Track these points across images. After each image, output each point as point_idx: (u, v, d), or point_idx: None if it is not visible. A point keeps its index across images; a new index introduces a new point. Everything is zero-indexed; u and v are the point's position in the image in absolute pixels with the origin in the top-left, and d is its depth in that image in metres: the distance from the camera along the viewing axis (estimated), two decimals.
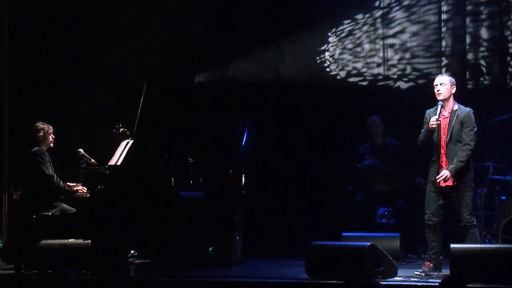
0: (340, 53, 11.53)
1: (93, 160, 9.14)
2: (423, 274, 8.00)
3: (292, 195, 11.33)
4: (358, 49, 11.46)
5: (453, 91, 8.30)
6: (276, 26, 11.74)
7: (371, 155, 10.41)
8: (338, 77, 11.54)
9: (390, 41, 11.37)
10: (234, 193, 9.56)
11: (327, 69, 11.58)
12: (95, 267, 8.40)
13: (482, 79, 11.03)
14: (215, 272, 8.71)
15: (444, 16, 11.15)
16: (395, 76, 11.35)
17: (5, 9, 10.37)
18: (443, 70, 10.94)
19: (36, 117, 9.44)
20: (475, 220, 8.29)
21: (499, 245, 8.80)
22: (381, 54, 11.37)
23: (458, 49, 11.11)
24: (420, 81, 11.22)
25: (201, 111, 9.96)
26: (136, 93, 9.42)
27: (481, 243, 8.80)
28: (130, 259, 9.46)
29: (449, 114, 8.24)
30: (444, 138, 8.22)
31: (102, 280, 8.10)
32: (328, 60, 11.57)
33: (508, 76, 10.97)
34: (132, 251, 9.60)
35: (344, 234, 9.33)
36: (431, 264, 8.16)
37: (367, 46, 11.44)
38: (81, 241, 8.58)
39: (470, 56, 11.06)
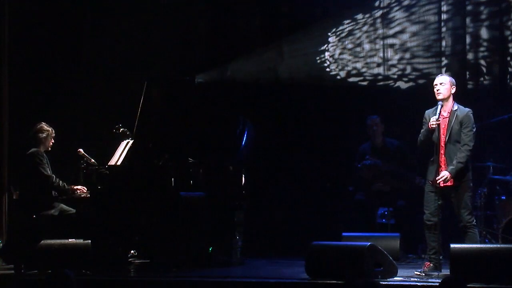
0: (340, 53, 11.53)
1: (93, 160, 9.14)
2: (423, 274, 8.00)
3: (292, 195, 11.33)
4: (358, 49, 11.46)
5: (453, 91, 8.30)
6: (276, 26, 11.74)
7: (371, 155, 10.41)
8: (338, 77, 11.54)
9: (390, 41, 11.37)
10: (234, 193, 9.57)
11: (327, 69, 11.58)
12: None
13: (482, 79, 11.03)
14: (215, 272, 8.71)
15: (444, 16, 11.15)
16: (395, 76, 11.35)
17: (5, 9, 10.37)
18: (443, 70, 10.94)
19: (36, 117, 9.44)
20: (475, 220, 8.29)
21: (499, 245, 8.81)
22: (381, 54, 11.37)
23: (458, 49, 11.11)
24: (420, 81, 11.22)
25: (201, 111, 9.96)
26: (136, 93, 9.42)
27: (481, 243, 8.81)
28: (130, 259, 9.46)
29: (449, 114, 8.25)
30: (443, 138, 8.22)
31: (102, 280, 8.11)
32: (328, 60, 11.57)
33: (508, 76, 10.96)
34: (132, 251, 9.60)
35: (344, 234, 9.33)
36: (431, 264, 8.16)
37: (367, 46, 11.44)
38: (81, 241, 8.58)
39: (470, 56, 11.06)
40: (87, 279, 8.00)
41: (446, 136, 8.21)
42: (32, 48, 10.95)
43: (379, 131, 10.55)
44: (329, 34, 11.54)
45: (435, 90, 8.28)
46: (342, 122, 11.25)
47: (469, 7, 11.05)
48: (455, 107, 8.27)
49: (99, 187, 8.92)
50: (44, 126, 9.05)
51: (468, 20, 11.05)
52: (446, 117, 8.24)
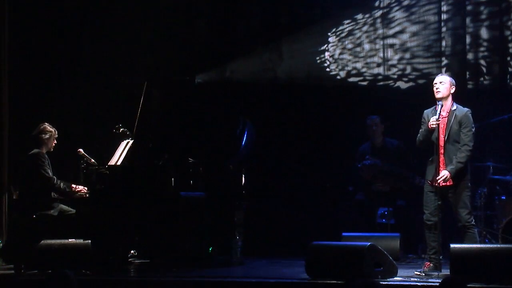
0: (340, 53, 11.53)
1: (93, 160, 9.14)
2: (423, 274, 8.00)
3: (292, 195, 11.33)
4: (358, 49, 11.46)
5: (452, 91, 8.30)
6: (275, 26, 11.74)
7: (371, 155, 10.41)
8: (338, 77, 11.54)
9: (390, 41, 11.37)
10: (234, 193, 9.57)
11: (327, 69, 11.58)
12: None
13: (482, 79, 11.03)
14: (215, 272, 8.71)
15: (444, 16, 11.15)
16: (395, 76, 11.35)
17: (5, 10, 10.37)
18: (443, 70, 10.94)
19: (36, 118, 9.44)
20: (474, 220, 8.29)
21: (499, 245, 8.81)
22: (381, 54, 11.37)
23: (458, 49, 11.11)
24: (420, 81, 11.21)
25: (201, 111, 9.96)
26: (136, 93, 9.42)
27: (481, 243, 8.81)
28: (130, 259, 9.46)
29: (447, 114, 8.25)
30: (442, 138, 8.22)
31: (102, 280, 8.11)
32: (328, 60, 11.57)
33: (508, 76, 10.96)
34: (132, 251, 9.60)
35: (344, 234, 9.33)
36: (431, 264, 8.16)
37: (367, 46, 11.44)
38: (81, 241, 8.58)
39: (470, 56, 11.06)
40: (87, 279, 8.00)
41: (445, 136, 8.21)
42: (32, 48, 10.94)
43: (379, 131, 10.56)
44: (329, 34, 11.54)
45: (434, 88, 8.29)
46: (342, 122, 11.25)
47: (469, 7, 11.05)
48: (454, 107, 8.27)
49: (99, 187, 8.91)
50: (47, 127, 9.05)
51: (468, 20, 11.05)
52: (445, 117, 8.24)
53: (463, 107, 8.32)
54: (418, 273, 8.06)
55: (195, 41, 11.67)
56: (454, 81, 8.36)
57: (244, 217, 9.76)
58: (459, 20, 11.11)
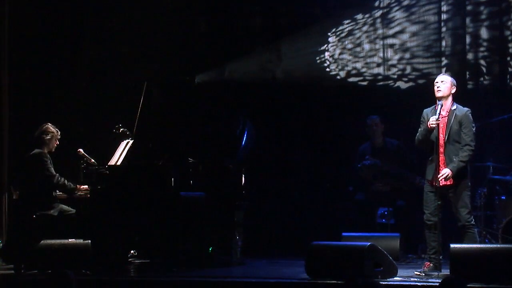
0: (340, 53, 11.54)
1: (93, 160, 9.14)
2: (423, 274, 7.99)
3: (292, 195, 11.33)
4: (358, 49, 11.46)
5: (453, 91, 8.30)
6: (276, 26, 11.74)
7: (371, 155, 10.41)
8: (338, 77, 11.54)
9: (390, 41, 11.37)
10: (234, 193, 9.57)
11: (327, 69, 11.58)
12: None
13: (482, 79, 11.03)
14: (215, 272, 8.71)
15: (444, 16, 11.15)
16: (395, 76, 11.35)
17: (5, 9, 10.37)
18: (443, 70, 10.94)
19: (36, 118, 9.43)
20: (473, 220, 8.28)
21: (499, 245, 8.81)
22: (381, 54, 11.38)
23: (458, 49, 11.11)
24: (420, 81, 11.21)
25: (201, 111, 9.96)
26: (136, 93, 9.42)
27: (481, 243, 8.81)
28: (130, 259, 9.46)
29: (447, 113, 8.24)
30: (442, 137, 8.21)
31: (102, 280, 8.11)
32: (328, 60, 11.57)
33: (508, 76, 10.96)
34: (132, 251, 9.60)
35: (344, 234, 9.33)
36: (431, 264, 8.16)
37: (367, 46, 11.44)
38: (81, 241, 8.58)
39: (470, 56, 11.06)
40: (87, 279, 8.00)
41: (445, 136, 8.20)
42: (32, 48, 10.94)
43: (379, 131, 10.56)
44: (329, 34, 11.54)
45: (435, 87, 8.28)
46: (342, 122, 11.25)
47: (469, 7, 11.05)
48: (454, 107, 8.27)
49: (99, 187, 8.91)
50: (50, 127, 9.05)
51: (468, 20, 11.05)
52: (445, 117, 8.24)
53: (463, 107, 8.32)
54: (418, 273, 8.06)
55: (195, 41, 11.67)
56: (455, 82, 8.36)
57: (244, 217, 9.76)
58: (459, 20, 11.11)
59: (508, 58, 10.97)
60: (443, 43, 11.16)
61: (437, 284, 6.20)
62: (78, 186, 8.99)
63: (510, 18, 10.94)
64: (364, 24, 11.41)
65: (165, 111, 9.63)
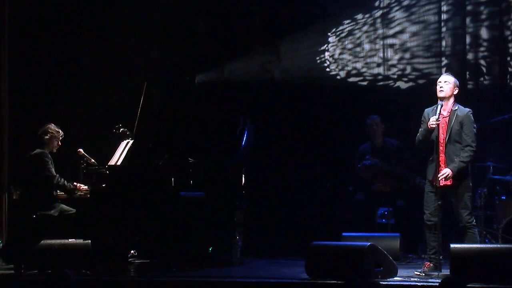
0: (340, 53, 11.54)
1: (93, 160, 9.14)
2: (423, 274, 8.00)
3: (292, 195, 11.33)
4: (358, 49, 11.46)
5: (455, 92, 8.30)
6: (275, 26, 11.74)
7: (371, 155, 10.41)
8: (338, 77, 11.54)
9: (390, 41, 11.37)
10: (234, 193, 9.57)
11: (327, 69, 11.58)
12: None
13: (482, 79, 11.03)
14: (215, 272, 8.71)
15: (444, 16, 11.15)
16: (395, 76, 11.35)
17: (5, 9, 10.36)
18: (443, 70, 10.94)
19: (36, 118, 9.43)
20: (474, 220, 8.29)
21: (499, 245, 8.81)
22: (381, 54, 11.38)
23: (458, 49, 11.11)
24: (420, 81, 11.22)
25: (201, 111, 9.96)
26: (136, 93, 9.42)
27: (481, 243, 8.81)
28: (130, 259, 9.46)
29: (448, 113, 8.24)
30: (442, 137, 8.22)
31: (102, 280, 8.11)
32: (328, 60, 11.57)
33: (508, 76, 10.96)
34: (132, 251, 9.60)
35: (344, 234, 9.33)
36: (431, 264, 8.16)
37: (367, 46, 11.44)
38: (81, 241, 8.58)
39: (470, 56, 11.06)
40: (87, 279, 8.00)
41: (446, 136, 8.20)
42: (32, 48, 10.94)
43: (379, 131, 10.56)
44: (329, 34, 11.54)
45: (437, 87, 8.27)
46: (342, 122, 11.25)
47: (469, 7, 11.05)
48: (455, 107, 8.27)
49: (99, 187, 8.91)
50: (51, 127, 9.05)
51: (468, 20, 11.05)
52: (446, 117, 8.24)
53: (464, 107, 8.31)
54: (418, 273, 8.06)
55: (195, 41, 11.67)
56: (458, 83, 8.35)
57: (244, 217, 9.75)
58: (459, 20, 11.11)
59: (508, 58, 10.97)
60: (443, 43, 11.17)
61: (437, 284, 6.19)
62: (77, 186, 8.99)
63: (510, 18, 10.94)
64: (364, 24, 11.42)
65: (165, 111, 9.63)
